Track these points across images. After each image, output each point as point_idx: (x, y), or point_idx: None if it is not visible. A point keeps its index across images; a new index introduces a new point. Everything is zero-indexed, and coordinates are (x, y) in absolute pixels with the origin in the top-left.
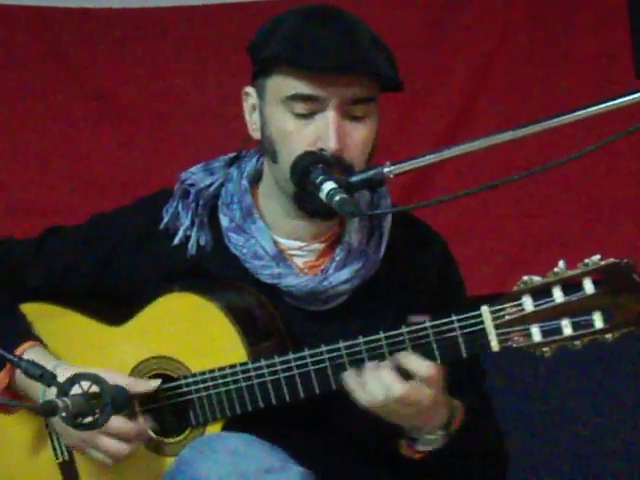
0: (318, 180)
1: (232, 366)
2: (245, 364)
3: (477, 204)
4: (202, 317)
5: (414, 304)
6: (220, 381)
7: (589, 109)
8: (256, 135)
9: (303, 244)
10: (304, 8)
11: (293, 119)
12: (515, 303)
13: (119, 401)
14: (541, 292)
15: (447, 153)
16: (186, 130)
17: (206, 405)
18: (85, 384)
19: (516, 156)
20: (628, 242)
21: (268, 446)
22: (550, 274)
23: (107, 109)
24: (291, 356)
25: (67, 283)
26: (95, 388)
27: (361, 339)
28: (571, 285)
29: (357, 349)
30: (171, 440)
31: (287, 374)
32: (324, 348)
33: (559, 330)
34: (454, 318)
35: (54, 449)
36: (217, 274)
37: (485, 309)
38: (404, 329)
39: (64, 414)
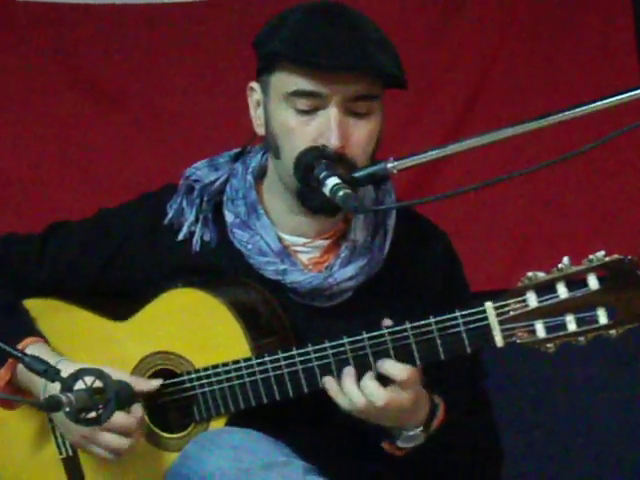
0: (322, 176)
1: (236, 362)
2: (249, 360)
3: (481, 200)
4: (206, 313)
5: (417, 301)
6: (224, 377)
7: (596, 103)
8: (260, 131)
9: (307, 240)
10: (310, 4)
11: (295, 115)
12: (519, 299)
13: (123, 396)
14: (545, 288)
15: (450, 149)
16: (191, 126)
17: (210, 401)
18: (89, 379)
19: (520, 152)
20: (632, 238)
21: (272, 441)
22: (554, 270)
23: (110, 105)
24: (295, 352)
25: (71, 279)
26: (99, 383)
27: (365, 335)
28: (575, 281)
29: (361, 345)
30: (175, 435)
31: (291, 369)
32: (328, 344)
33: (563, 326)
34: (458, 314)
35: (57, 445)
36: (221, 270)
37: (489, 305)
38: (408, 325)
39: (68, 409)
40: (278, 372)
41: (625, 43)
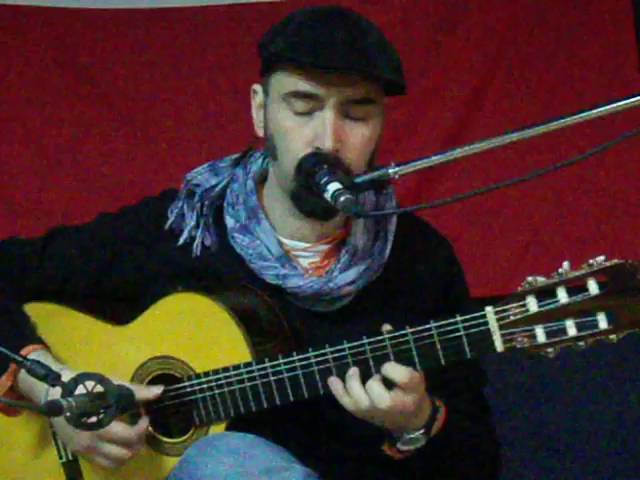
0: (323, 181)
1: (236, 367)
2: (249, 364)
3: (482, 205)
4: (207, 317)
5: (418, 306)
6: (224, 381)
7: (597, 110)
8: (260, 132)
9: (308, 245)
10: (314, 8)
11: (292, 116)
12: (519, 304)
13: (123, 401)
14: (545, 293)
15: (452, 154)
16: (192, 131)
17: (210, 405)
18: (89, 384)
19: (521, 157)
20: (633, 243)
21: (272, 446)
22: (554, 275)
23: (112, 109)
24: (295, 357)
25: (72, 283)
26: (99, 388)
27: (365, 340)
28: (576, 286)
29: (361, 349)
30: (175, 440)
31: (291, 374)
32: (329, 349)
33: (563, 331)
34: (458, 319)
35: (58, 449)
36: (222, 274)
37: (489, 310)
38: (408, 329)
39: (68, 414)
40: (279, 377)
41: (626, 45)
